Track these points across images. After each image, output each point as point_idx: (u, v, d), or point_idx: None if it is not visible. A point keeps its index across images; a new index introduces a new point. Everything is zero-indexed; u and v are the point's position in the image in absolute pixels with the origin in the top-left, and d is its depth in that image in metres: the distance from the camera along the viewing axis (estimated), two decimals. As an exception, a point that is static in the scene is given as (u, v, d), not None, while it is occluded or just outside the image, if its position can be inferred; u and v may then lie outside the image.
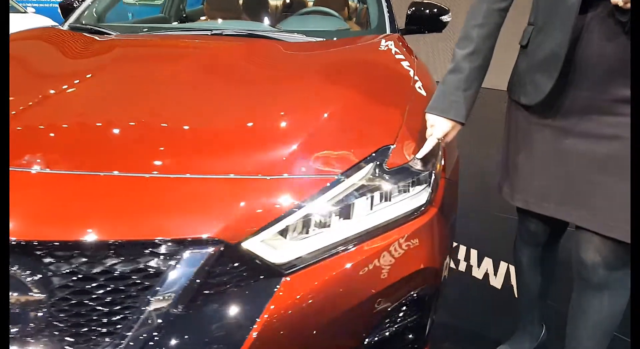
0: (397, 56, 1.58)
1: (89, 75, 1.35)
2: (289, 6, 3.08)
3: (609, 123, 1.07)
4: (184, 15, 3.05)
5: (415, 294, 1.06)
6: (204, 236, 0.85)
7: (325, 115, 1.15)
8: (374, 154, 1.06)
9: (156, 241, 0.84)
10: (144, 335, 0.82)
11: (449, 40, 6.05)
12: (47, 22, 8.24)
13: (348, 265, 0.96)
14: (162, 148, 1.00)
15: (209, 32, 1.79)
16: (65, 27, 1.99)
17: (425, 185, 1.10)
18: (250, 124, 1.12)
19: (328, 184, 0.98)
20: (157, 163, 0.96)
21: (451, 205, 1.23)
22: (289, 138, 1.06)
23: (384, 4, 2.08)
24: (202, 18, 2.82)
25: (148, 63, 1.52)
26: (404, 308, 1.06)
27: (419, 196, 1.08)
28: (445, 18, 2.14)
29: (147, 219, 0.85)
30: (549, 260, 1.43)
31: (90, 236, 0.82)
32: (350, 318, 0.98)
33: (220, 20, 2.34)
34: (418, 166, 1.09)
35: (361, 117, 1.20)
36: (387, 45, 1.67)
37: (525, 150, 1.23)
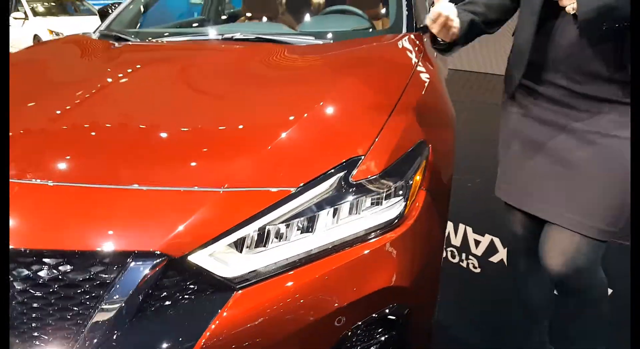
0: (398, 60, 1.51)
1: (81, 92, 1.40)
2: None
3: (588, 125, 1.11)
4: (223, 17, 3.11)
5: (382, 314, 1.01)
6: (148, 249, 0.86)
7: (294, 125, 1.11)
8: (339, 166, 1.02)
9: (103, 252, 0.86)
10: (87, 344, 0.85)
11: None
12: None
13: (305, 280, 0.94)
14: (116, 159, 1.02)
15: (219, 36, 1.81)
16: (96, 34, 2.09)
17: (398, 198, 1.04)
18: (213, 133, 1.12)
19: (285, 196, 0.95)
20: (109, 173, 0.98)
21: (434, 218, 1.16)
22: (249, 149, 1.04)
23: (404, 2, 2.00)
24: (242, 18, 2.87)
25: (135, 73, 1.54)
26: (371, 327, 1.02)
27: (390, 210, 1.03)
28: None
29: (95, 230, 0.88)
30: (539, 276, 1.37)
31: (44, 245, 0.87)
32: (307, 336, 0.95)
33: (246, 22, 2.37)
34: None
35: (334, 126, 1.16)
36: (391, 49, 1.61)
37: (511, 145, 1.28)
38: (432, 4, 1.17)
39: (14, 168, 0.98)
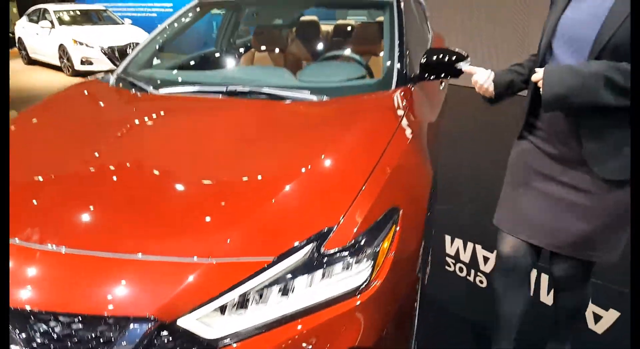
0: (380, 124, 1.63)
1: (89, 152, 1.55)
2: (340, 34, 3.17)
3: (577, 180, 1.34)
4: (235, 49, 3.27)
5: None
6: (143, 314, 1.02)
7: (274, 196, 1.25)
8: (314, 236, 1.16)
9: (107, 315, 1.02)
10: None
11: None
12: (140, 33, 9.04)
13: (281, 340, 1.08)
14: (121, 228, 1.18)
15: (220, 88, 1.93)
16: (113, 76, 2.25)
17: (366, 264, 1.18)
18: (202, 204, 1.26)
19: (265, 266, 1.10)
20: (114, 242, 1.13)
21: (401, 280, 1.29)
22: (234, 220, 1.19)
23: (396, 50, 2.11)
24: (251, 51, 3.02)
25: (137, 133, 1.68)
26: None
27: (358, 275, 1.16)
28: (461, 65, 2.14)
29: (100, 296, 1.04)
30: (523, 289, 1.61)
31: (59, 308, 1.04)
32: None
33: (256, 57, 2.51)
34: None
35: (312, 196, 1.29)
36: (375, 112, 1.73)
37: (517, 185, 1.49)
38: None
39: (31, 231, 1.16)
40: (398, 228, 1.29)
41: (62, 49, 8.52)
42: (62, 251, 1.11)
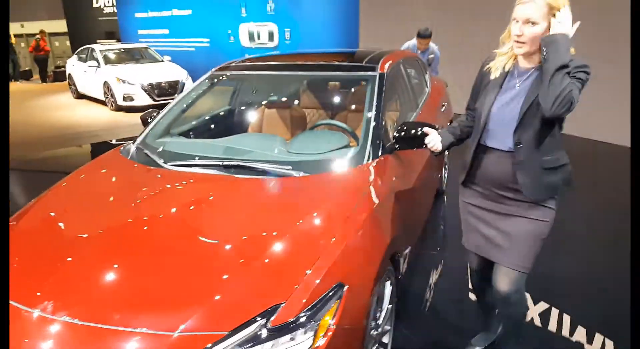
0: (338, 205, 1.88)
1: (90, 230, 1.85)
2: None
3: (505, 207, 1.88)
4: (243, 113, 3.61)
5: None
6: None
7: (233, 273, 1.54)
8: (263, 312, 1.42)
9: None
10: None
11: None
12: (177, 70, 9.67)
13: None
14: (110, 303, 1.48)
15: (218, 162, 2.23)
16: (133, 146, 2.61)
17: (308, 336, 1.44)
18: (174, 281, 1.53)
19: (219, 339, 1.36)
20: (104, 315, 1.42)
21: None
22: (194, 297, 1.46)
23: (372, 124, 2.37)
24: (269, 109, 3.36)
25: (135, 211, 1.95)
26: None
27: (300, 346, 1.43)
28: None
29: None
30: (488, 288, 2.13)
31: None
32: None
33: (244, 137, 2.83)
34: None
35: (262, 275, 1.55)
36: (337, 191, 1.99)
37: (463, 216, 2.08)
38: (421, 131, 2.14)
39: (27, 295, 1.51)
40: (341, 303, 1.54)
41: (106, 86, 9.23)
42: (54, 319, 1.43)
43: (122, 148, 2.62)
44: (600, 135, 6.00)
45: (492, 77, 1.85)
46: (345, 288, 1.58)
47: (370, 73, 2.74)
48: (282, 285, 1.52)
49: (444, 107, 3.88)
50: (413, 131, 2.33)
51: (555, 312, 2.63)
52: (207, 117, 3.39)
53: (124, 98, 8.89)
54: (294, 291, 1.49)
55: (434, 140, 2.06)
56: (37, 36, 14.24)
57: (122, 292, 1.53)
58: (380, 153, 2.29)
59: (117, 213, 1.96)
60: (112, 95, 9.10)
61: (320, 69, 2.95)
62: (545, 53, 1.62)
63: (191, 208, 1.95)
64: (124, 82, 8.91)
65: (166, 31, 12.86)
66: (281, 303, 1.46)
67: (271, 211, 1.89)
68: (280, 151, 2.40)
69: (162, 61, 10.20)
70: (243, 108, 3.60)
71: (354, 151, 2.29)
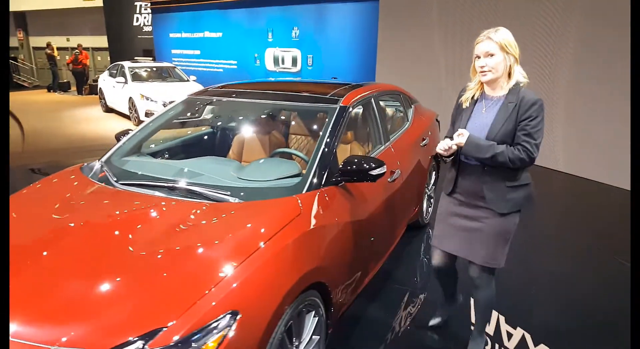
0: (260, 229, 1.92)
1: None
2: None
3: (477, 213, 2.26)
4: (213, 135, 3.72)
5: None
6: None
7: (124, 296, 1.59)
8: (143, 334, 1.46)
9: None
10: None
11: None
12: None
13: None
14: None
15: (163, 184, 2.32)
16: (98, 163, 2.72)
17: None
18: (65, 296, 1.59)
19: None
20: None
21: None
22: (74, 310, 1.52)
23: (319, 155, 2.41)
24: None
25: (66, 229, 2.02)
26: None
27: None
28: (376, 172, 2.41)
29: None
30: (452, 276, 2.62)
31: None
32: None
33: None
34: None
35: (155, 293, 1.59)
36: (268, 215, 2.03)
37: (440, 221, 2.44)
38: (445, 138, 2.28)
39: None
40: (232, 331, 1.57)
41: (131, 102, 9.64)
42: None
43: (84, 164, 2.74)
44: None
45: (464, 106, 2.28)
46: (238, 317, 1.60)
47: (330, 106, 2.80)
48: (172, 307, 1.56)
49: (424, 141, 3.87)
50: (355, 166, 2.37)
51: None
52: (180, 139, 3.51)
53: (146, 114, 9.24)
54: (182, 314, 1.53)
55: (442, 145, 2.24)
56: (76, 50, 15.03)
57: (16, 300, 1.59)
58: (322, 184, 2.32)
59: (40, 224, 2.07)
60: (136, 111, 9.48)
61: (286, 99, 3.03)
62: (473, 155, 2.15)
63: (111, 225, 2.02)
64: (147, 98, 9.28)
65: (197, 52, 13.35)
66: (163, 327, 1.49)
67: (187, 234, 1.92)
68: (230, 177, 2.46)
69: (188, 81, 10.58)
70: (216, 132, 3.71)
71: (295, 181, 2.33)
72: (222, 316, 1.58)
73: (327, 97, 2.92)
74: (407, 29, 8.35)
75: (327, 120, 2.70)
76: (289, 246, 1.93)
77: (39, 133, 8.98)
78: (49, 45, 15.73)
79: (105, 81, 11.21)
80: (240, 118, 3.72)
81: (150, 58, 14.38)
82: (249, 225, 1.98)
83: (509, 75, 2.13)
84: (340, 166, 2.40)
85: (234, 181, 2.41)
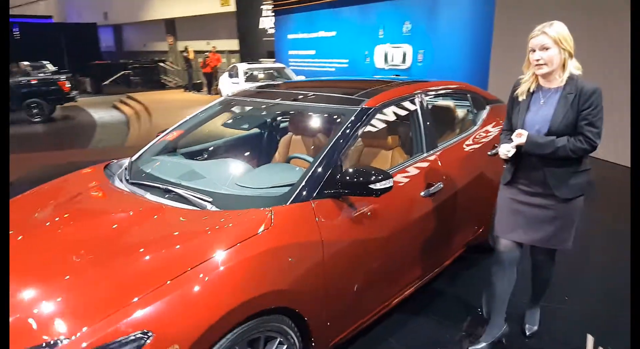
0: (213, 242, 1.75)
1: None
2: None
3: (541, 200, 2.26)
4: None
5: None
6: None
7: (33, 306, 1.55)
8: (41, 345, 1.41)
9: None
10: None
11: None
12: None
13: None
14: None
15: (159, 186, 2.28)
16: (127, 161, 2.80)
17: None
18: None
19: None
20: None
21: None
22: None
23: (316, 162, 2.17)
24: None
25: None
26: None
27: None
28: (377, 186, 2.07)
29: None
30: (510, 273, 2.43)
31: None
32: None
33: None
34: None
35: (71, 303, 1.54)
36: (231, 228, 1.85)
37: (502, 210, 2.42)
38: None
39: None
40: None
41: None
42: None
43: (114, 161, 2.83)
44: None
45: (520, 99, 2.28)
46: (149, 338, 1.47)
47: (351, 107, 2.52)
48: (85, 317, 1.49)
49: (496, 149, 3.30)
50: (354, 177, 2.07)
51: None
52: (223, 140, 3.48)
53: (253, 113, 9.63)
54: (90, 327, 1.46)
55: (503, 149, 2.26)
56: (206, 54, 16.32)
57: None
58: (314, 196, 2.06)
59: (36, 218, 2.16)
60: (246, 109, 9.93)
61: (309, 100, 2.79)
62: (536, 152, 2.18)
63: (81, 225, 2.04)
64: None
65: (312, 52, 13.58)
66: (66, 338, 1.43)
67: (138, 241, 1.86)
68: (229, 182, 2.34)
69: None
70: (264, 133, 3.62)
71: (285, 190, 2.10)
72: (131, 335, 1.46)
73: (353, 97, 2.63)
74: (526, 22, 7.44)
75: (341, 123, 2.42)
76: (239, 264, 1.74)
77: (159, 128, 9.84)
78: (186, 48, 17.31)
79: (225, 82, 11.96)
80: (284, 119, 3.59)
81: (272, 60, 15.02)
82: (204, 238, 1.83)
83: (563, 67, 2.15)
84: (339, 176, 2.11)
85: (230, 187, 2.28)
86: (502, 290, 2.43)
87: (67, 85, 12.20)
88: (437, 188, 2.68)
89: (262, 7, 16.20)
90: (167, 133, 3.02)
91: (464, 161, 3.04)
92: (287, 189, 2.11)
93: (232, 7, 17.91)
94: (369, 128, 2.58)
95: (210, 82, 15.97)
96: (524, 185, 2.30)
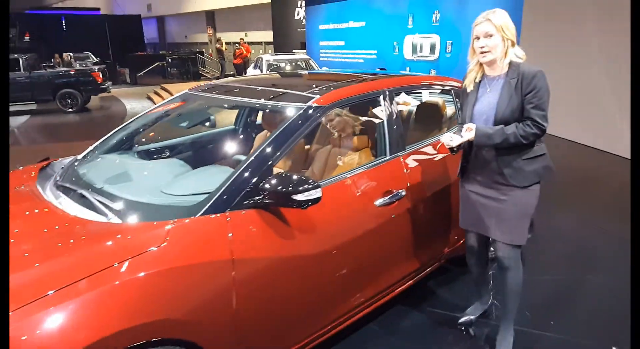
0: (78, 268, 1.54)
1: None
2: None
3: (497, 193, 2.23)
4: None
5: None
6: None
7: None
8: None
9: None
10: None
11: None
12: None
13: None
14: None
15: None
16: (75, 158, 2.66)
17: None
18: None
19: None
20: None
21: None
22: None
23: (246, 164, 1.94)
24: None
25: None
26: None
27: None
28: (301, 197, 1.82)
29: None
30: (482, 259, 2.54)
31: None
32: None
33: None
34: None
35: None
36: (111, 246, 1.66)
37: (463, 202, 2.42)
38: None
39: None
40: None
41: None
42: None
43: (58, 159, 2.71)
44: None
45: (469, 90, 2.27)
46: None
47: (298, 105, 2.26)
48: None
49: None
50: (275, 186, 1.82)
51: None
52: (189, 136, 3.30)
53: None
54: None
55: (446, 137, 2.24)
56: (236, 46, 16.33)
57: None
58: (231, 206, 1.84)
59: None
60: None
61: (258, 96, 2.54)
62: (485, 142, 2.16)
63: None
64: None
65: (342, 43, 13.24)
66: None
67: (25, 250, 1.69)
68: (154, 188, 2.12)
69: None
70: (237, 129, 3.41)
71: (200, 199, 1.88)
72: None
73: (303, 94, 2.37)
74: (555, 12, 6.88)
75: (283, 122, 2.17)
76: (119, 287, 1.51)
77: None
78: (219, 40, 17.42)
79: (251, 73, 11.87)
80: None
81: (304, 52, 14.80)
82: (75, 259, 1.60)
83: (505, 55, 2.14)
84: (265, 185, 1.87)
85: (151, 193, 2.07)
86: (479, 273, 2.58)
87: (101, 76, 12.47)
88: (397, 196, 2.38)
89: (297, -4, 16.01)
90: (122, 129, 2.85)
91: (440, 165, 2.72)
92: (200, 198, 1.89)
93: (269, -2, 17.83)
94: (324, 127, 2.30)
95: (240, 73, 15.98)
96: (479, 176, 2.29)
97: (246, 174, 1.92)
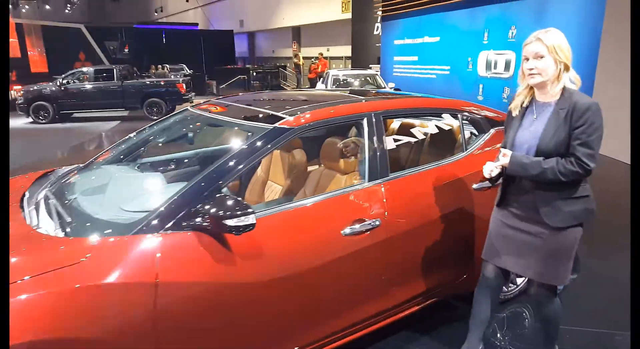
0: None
1: None
2: None
3: (532, 228, 2.07)
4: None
5: None
6: None
7: None
8: None
9: None
10: None
11: None
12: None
13: None
14: None
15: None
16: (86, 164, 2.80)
17: None
18: None
19: None
20: None
21: None
22: None
23: (177, 194, 1.91)
24: None
25: None
26: None
27: None
28: (232, 222, 1.75)
29: None
30: (494, 295, 2.33)
31: None
32: None
33: None
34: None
35: None
36: (39, 261, 1.68)
37: (493, 234, 2.25)
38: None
39: None
40: None
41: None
42: None
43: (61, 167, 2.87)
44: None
45: (514, 114, 2.11)
46: None
47: (263, 126, 2.21)
48: None
49: (483, 183, 2.64)
50: (217, 210, 1.77)
51: None
52: (200, 150, 3.36)
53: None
54: None
55: (488, 167, 2.12)
56: (312, 61, 16.64)
57: None
58: (167, 226, 1.82)
59: None
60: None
61: (236, 116, 2.49)
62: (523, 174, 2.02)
63: None
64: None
65: (415, 58, 12.95)
66: None
67: None
68: (115, 203, 2.14)
69: (384, 87, 10.35)
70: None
71: (140, 216, 1.88)
72: None
73: (274, 114, 2.31)
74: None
75: (244, 143, 2.12)
76: (26, 301, 1.53)
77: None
78: (296, 55, 17.84)
79: (318, 87, 12.00)
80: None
81: (379, 66, 14.69)
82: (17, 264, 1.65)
83: (558, 79, 1.95)
84: (199, 206, 1.84)
85: (108, 207, 2.09)
86: (482, 312, 2.33)
87: (184, 87, 13.33)
88: (370, 225, 2.22)
89: (378, 12, 15.94)
90: (129, 139, 2.96)
91: (431, 195, 2.50)
92: (141, 215, 1.89)
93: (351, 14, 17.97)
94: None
95: (313, 86, 16.26)
96: (515, 208, 2.13)
97: (189, 195, 1.89)
